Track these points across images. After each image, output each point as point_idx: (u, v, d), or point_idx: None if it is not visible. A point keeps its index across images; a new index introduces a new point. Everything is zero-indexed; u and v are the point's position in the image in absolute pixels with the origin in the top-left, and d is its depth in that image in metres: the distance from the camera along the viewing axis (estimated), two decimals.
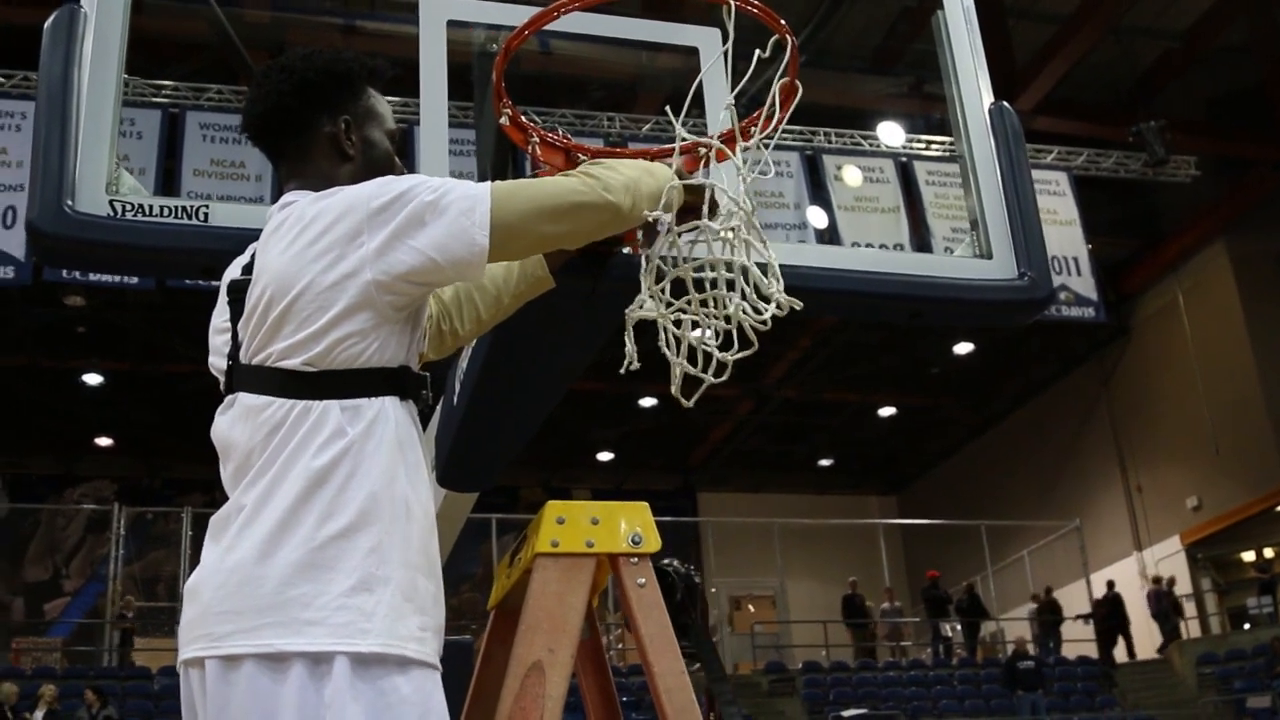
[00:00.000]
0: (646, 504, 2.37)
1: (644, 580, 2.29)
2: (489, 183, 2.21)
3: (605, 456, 27.95)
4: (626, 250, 3.02)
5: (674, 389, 2.69)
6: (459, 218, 2.13)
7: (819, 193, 16.47)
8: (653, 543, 2.31)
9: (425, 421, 4.16)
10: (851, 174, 16.89)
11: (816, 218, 16.32)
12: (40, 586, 24.63)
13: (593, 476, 28.79)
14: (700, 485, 29.41)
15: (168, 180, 14.72)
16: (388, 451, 2.11)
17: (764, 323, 2.54)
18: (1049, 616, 23.26)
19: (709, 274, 2.59)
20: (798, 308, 2.57)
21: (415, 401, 2.24)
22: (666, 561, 2.62)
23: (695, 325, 2.65)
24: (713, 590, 25.38)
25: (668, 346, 2.63)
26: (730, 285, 2.56)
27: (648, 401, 23.07)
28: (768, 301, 2.55)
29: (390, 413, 2.14)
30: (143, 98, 14.98)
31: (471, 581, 23.01)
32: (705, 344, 2.62)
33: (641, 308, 2.59)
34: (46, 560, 25.01)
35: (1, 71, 15.06)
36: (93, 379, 22.89)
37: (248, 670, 1.99)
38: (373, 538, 2.04)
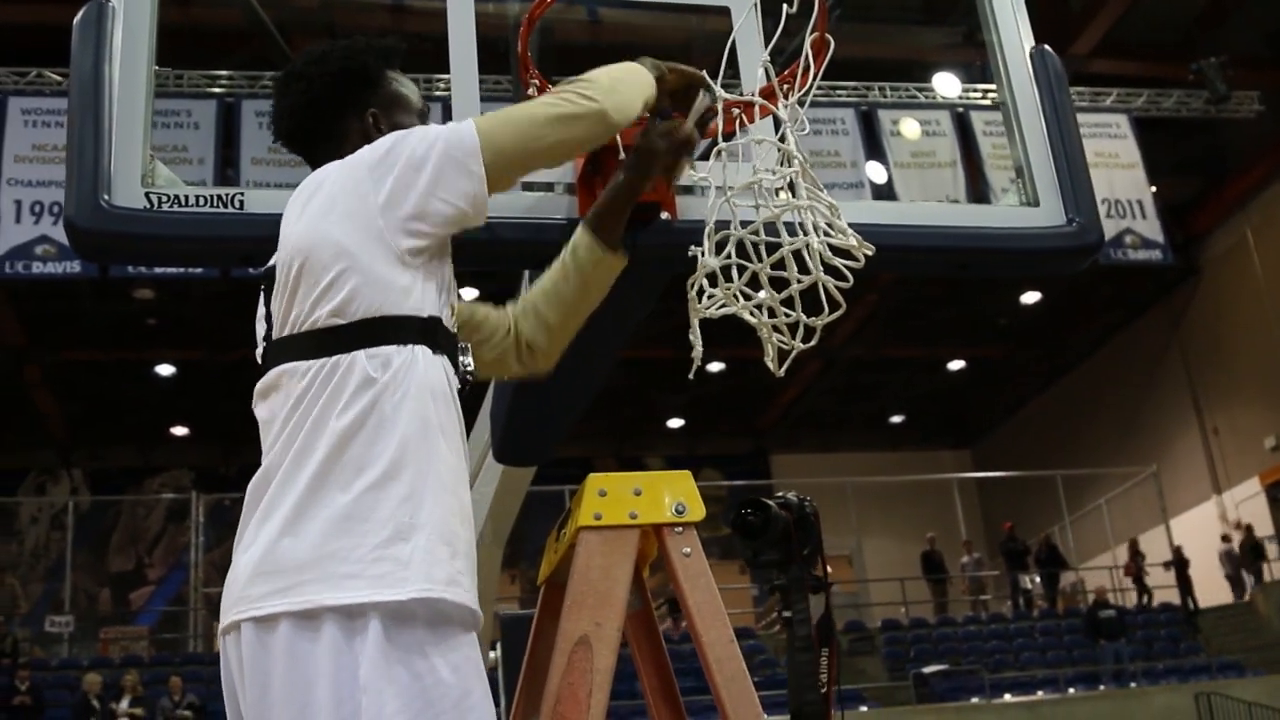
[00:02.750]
0: (689, 473, 2.35)
1: (689, 550, 2.27)
2: (472, 117, 2.26)
3: (676, 423, 27.96)
4: (665, 216, 3.00)
5: (768, 360, 2.68)
6: (451, 151, 2.19)
7: (875, 149, 16.33)
8: (697, 511, 2.29)
9: (479, 398, 4.16)
10: (909, 127, 16.73)
11: (875, 174, 16.19)
12: (125, 576, 25.04)
13: (664, 444, 28.81)
14: (772, 448, 29.34)
15: (226, 169, 14.87)
16: (417, 397, 2.10)
17: (845, 279, 2.52)
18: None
19: (779, 238, 2.57)
20: (870, 253, 2.55)
21: (450, 358, 2.23)
22: (780, 494, 2.61)
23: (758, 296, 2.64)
24: None
25: (752, 316, 2.62)
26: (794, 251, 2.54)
27: (715, 366, 23.01)
28: (840, 255, 2.53)
29: (420, 360, 2.13)
30: (198, 89, 15.12)
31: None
32: (790, 312, 2.60)
33: (707, 293, 2.59)
34: (130, 550, 25.41)
35: (58, 70, 15.23)
36: (165, 370, 23.19)
37: (284, 632, 1.98)
38: (406, 485, 2.04)
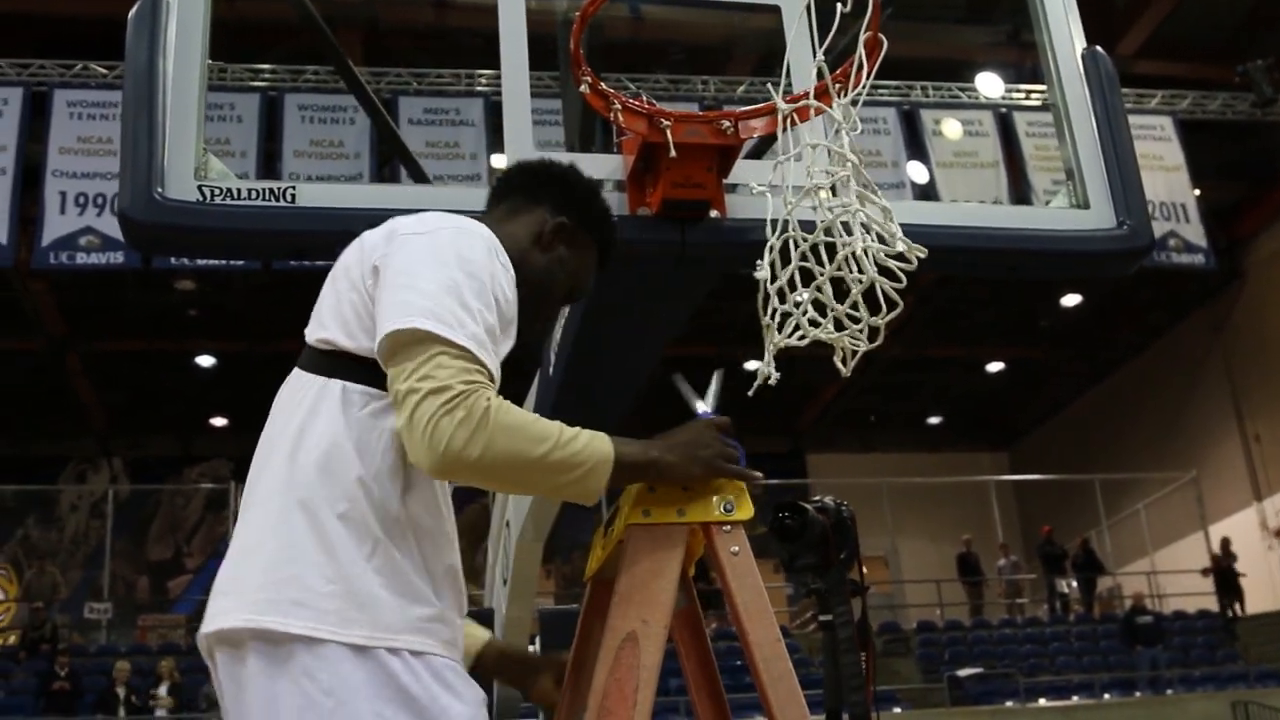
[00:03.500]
0: None
1: (737, 549, 2.27)
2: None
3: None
4: (714, 214, 3.00)
5: (837, 362, 2.69)
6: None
7: (917, 149, 16.28)
8: (745, 510, 2.29)
9: (524, 392, 4.17)
10: (951, 127, 16.67)
11: (916, 173, 16.14)
12: (163, 565, 25.20)
13: None
14: (809, 447, 29.27)
15: (269, 162, 14.97)
16: (395, 445, 2.08)
17: (900, 280, 2.53)
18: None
19: (837, 238, 2.57)
20: (922, 255, 2.55)
21: None
22: (817, 498, 2.61)
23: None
24: None
25: (814, 324, 2.63)
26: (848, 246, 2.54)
27: (753, 364, 22.73)
28: (893, 255, 2.54)
29: (389, 436, 2.11)
30: (241, 82, 15.22)
31: (582, 550, 23.11)
32: (854, 315, 2.61)
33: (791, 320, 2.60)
34: (168, 539, 25.58)
35: (103, 63, 15.35)
36: (206, 361, 23.33)
37: (252, 645, 2.02)
38: (369, 525, 2.04)
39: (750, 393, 2.81)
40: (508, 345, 2.18)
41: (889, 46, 2.73)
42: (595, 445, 2.08)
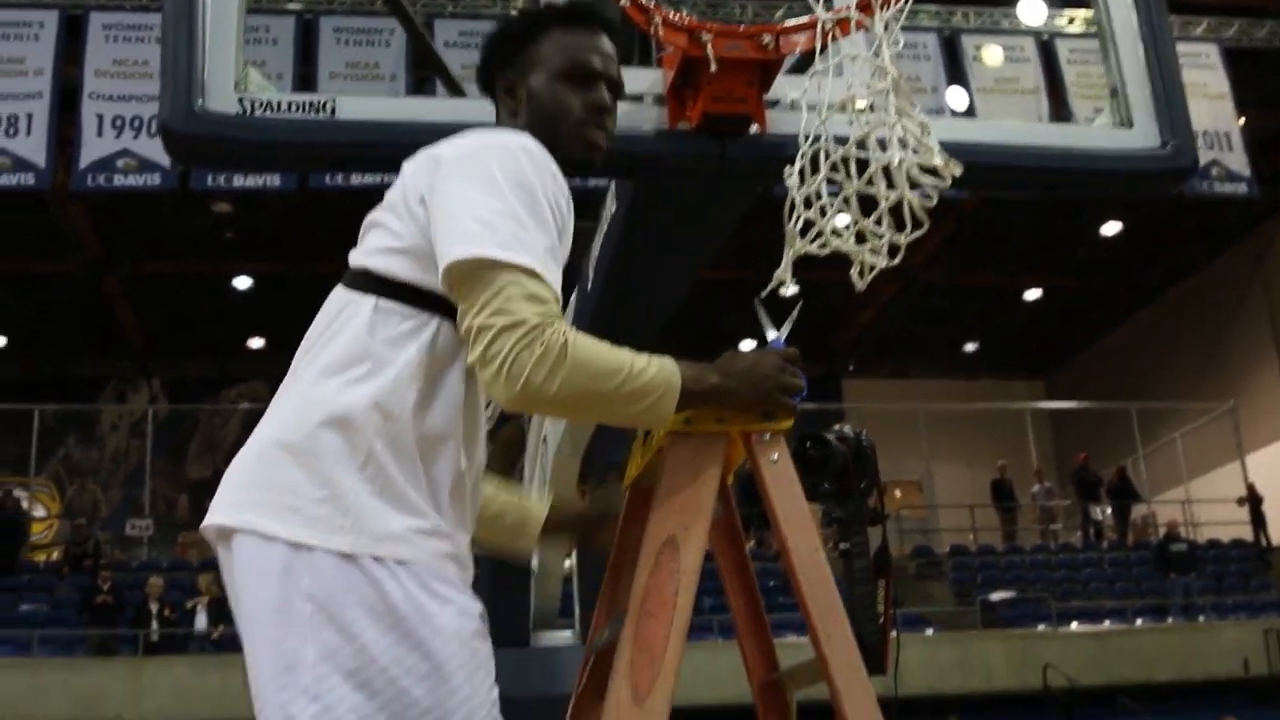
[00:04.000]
0: None
1: (777, 457, 2.28)
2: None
3: (748, 345, 27.90)
4: (755, 128, 2.99)
5: (854, 275, 2.69)
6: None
7: (957, 75, 16.12)
8: (785, 419, 2.30)
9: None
10: (991, 54, 16.49)
11: (956, 99, 15.99)
12: (202, 484, 25.41)
13: None
14: (844, 372, 29.23)
15: (304, 85, 14.94)
16: (413, 365, 2.10)
17: (929, 198, 2.52)
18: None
19: (870, 153, 2.56)
20: (958, 172, 2.54)
21: None
22: (837, 427, 2.62)
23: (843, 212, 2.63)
24: None
25: (836, 234, 2.62)
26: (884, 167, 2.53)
27: (789, 289, 22.66)
28: (928, 173, 2.53)
29: (432, 330, 2.13)
30: (277, 5, 15.18)
31: (618, 469, 23.16)
32: (876, 231, 2.60)
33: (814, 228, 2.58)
34: (207, 458, 25.82)
35: None
36: (242, 282, 23.43)
37: (241, 541, 2.07)
38: (366, 437, 2.05)
39: (763, 294, 2.80)
40: (565, 251, 2.18)
41: None
42: (664, 374, 2.10)
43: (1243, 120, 17.38)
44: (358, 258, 2.22)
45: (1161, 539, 20.42)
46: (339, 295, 2.22)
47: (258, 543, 2.04)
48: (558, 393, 2.00)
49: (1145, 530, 23.27)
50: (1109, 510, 23.39)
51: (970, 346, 29.51)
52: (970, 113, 15.83)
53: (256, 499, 2.06)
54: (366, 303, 2.14)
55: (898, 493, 25.00)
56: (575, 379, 2.00)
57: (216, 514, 2.11)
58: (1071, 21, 16.53)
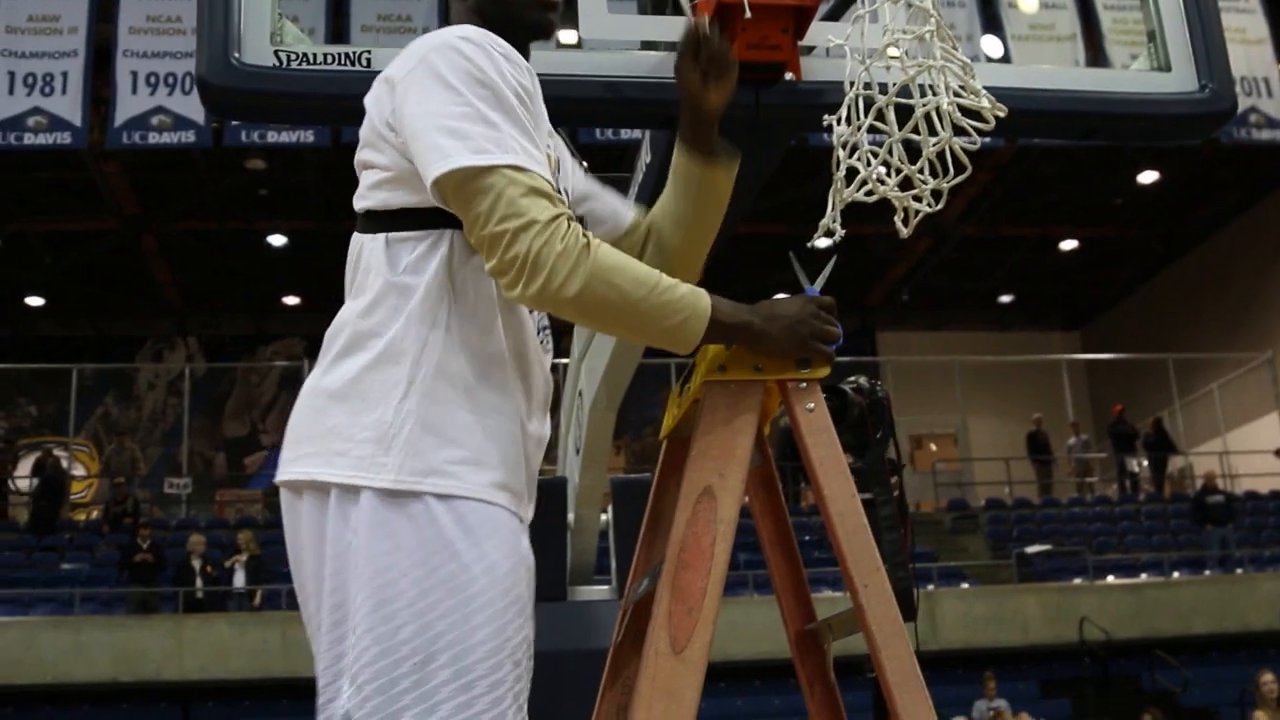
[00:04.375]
0: None
1: (813, 405, 2.28)
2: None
3: (783, 298, 27.77)
4: (789, 76, 2.97)
5: (898, 222, 2.68)
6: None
7: (992, 22, 15.97)
8: (822, 367, 2.29)
9: None
10: None
11: (991, 47, 15.85)
12: (239, 442, 25.65)
13: None
14: (879, 325, 29.12)
15: (337, 39, 14.92)
16: (435, 284, 2.10)
17: (973, 141, 2.50)
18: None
19: (914, 98, 2.55)
20: (1002, 114, 2.53)
21: None
22: (852, 379, 2.62)
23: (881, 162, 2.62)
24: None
25: (881, 182, 2.61)
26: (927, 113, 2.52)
27: (824, 242, 22.54)
28: (969, 116, 2.51)
29: (445, 247, 2.12)
30: None
31: (653, 425, 23.26)
32: (921, 178, 2.59)
33: (847, 151, 2.57)
34: (244, 416, 26.01)
35: None
36: (277, 240, 23.49)
37: (306, 495, 2.13)
38: (403, 369, 2.07)
39: (810, 244, 2.80)
40: (542, 124, 2.17)
41: None
42: (694, 295, 2.09)
43: None
44: (358, 202, 2.22)
45: (1198, 491, 20.35)
46: (354, 243, 2.23)
47: (313, 492, 2.10)
48: (580, 293, 1.99)
49: (1182, 482, 23.22)
50: (1145, 462, 23.32)
51: (1005, 298, 29.35)
52: (1006, 60, 15.70)
53: (309, 450, 2.11)
54: (378, 241, 2.15)
55: (933, 446, 25.04)
56: (599, 280, 2.00)
57: (281, 472, 2.17)
58: None
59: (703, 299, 2.09)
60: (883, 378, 25.84)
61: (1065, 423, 24.18)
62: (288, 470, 2.14)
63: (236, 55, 2.82)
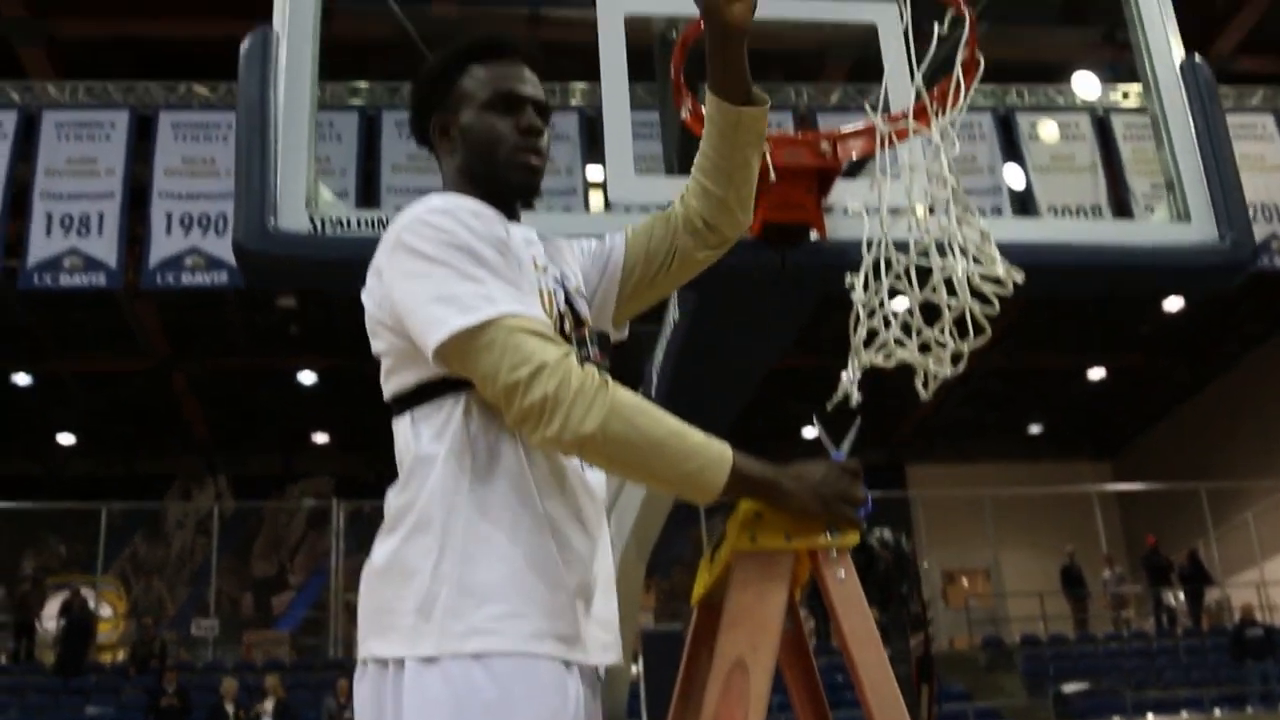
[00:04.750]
0: None
1: (844, 574, 2.28)
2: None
3: (810, 433, 27.77)
4: (814, 235, 3.01)
5: (919, 385, 2.70)
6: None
7: (1013, 153, 16.12)
8: (852, 536, 2.29)
9: None
10: (1047, 130, 16.48)
11: (1013, 177, 15.97)
12: (267, 582, 25.57)
13: (799, 454, 28.53)
14: (908, 458, 29.01)
15: (368, 179, 15.15)
16: (455, 448, 2.13)
17: (992, 304, 2.53)
18: None
19: (933, 260, 2.58)
20: (1020, 280, 2.55)
21: None
22: (878, 532, 2.61)
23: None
24: (925, 565, 25.06)
25: (900, 344, 2.63)
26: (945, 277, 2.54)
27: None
28: (989, 279, 2.54)
29: (460, 410, 2.15)
30: (340, 101, 15.43)
31: (682, 564, 23.14)
32: (940, 339, 2.61)
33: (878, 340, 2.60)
34: (272, 556, 25.95)
35: (207, 84, 15.63)
36: (307, 377, 23.62)
37: (370, 669, 2.15)
38: (433, 536, 2.09)
39: (829, 406, 2.81)
40: (528, 276, 2.22)
41: (985, 50, 2.74)
42: (715, 445, 2.09)
43: None
44: (384, 390, 2.29)
45: (1237, 624, 20.03)
46: (394, 428, 2.28)
47: (374, 668, 2.13)
48: (598, 430, 2.00)
49: (1220, 615, 22.88)
50: (1181, 595, 22.99)
51: (1034, 429, 29.25)
52: (1028, 191, 15.82)
53: (367, 629, 2.15)
54: (404, 421, 2.22)
55: (965, 581, 24.78)
56: (617, 418, 2.01)
57: (357, 650, 2.21)
58: (1126, 96, 16.49)
59: (725, 450, 2.10)
60: (913, 512, 25.92)
61: (1099, 555, 23.92)
62: (360, 651, 2.18)
63: (273, 221, 2.87)
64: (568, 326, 2.29)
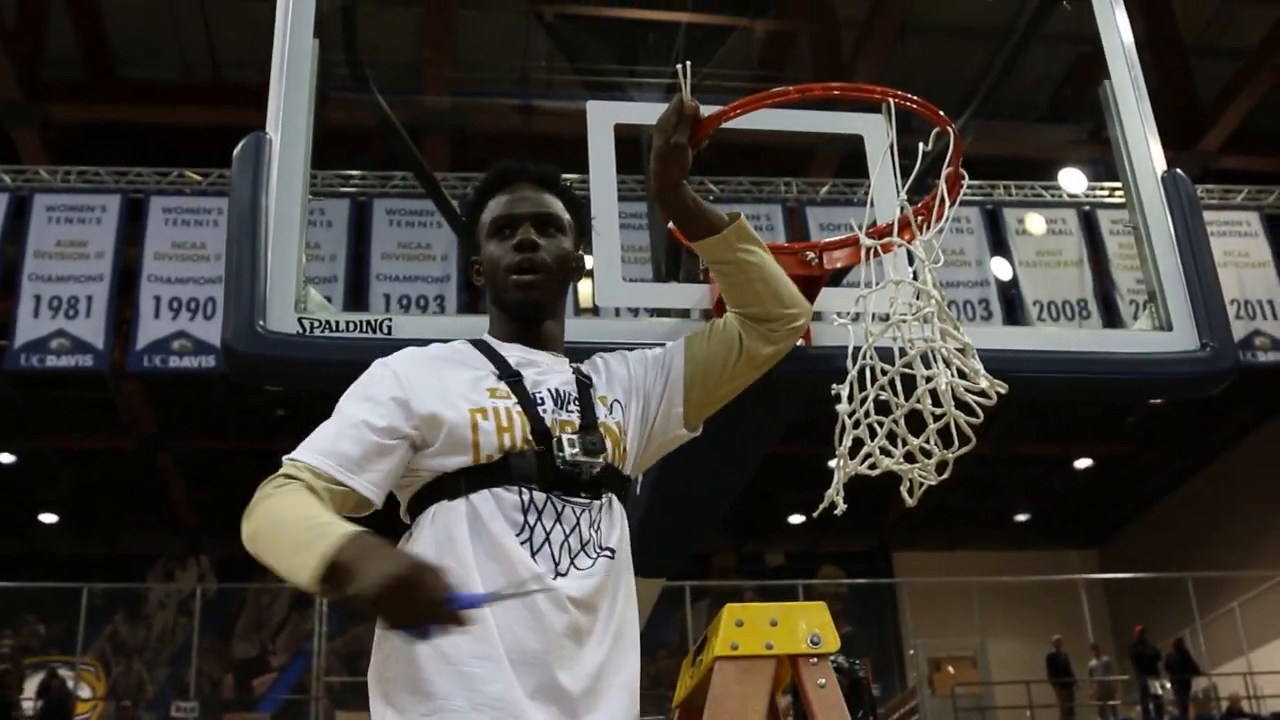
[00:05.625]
0: (824, 604, 2.38)
1: (824, 681, 2.30)
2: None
3: (797, 519, 27.74)
4: (800, 343, 3.05)
5: (904, 493, 2.73)
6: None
7: (1000, 247, 16.25)
8: (831, 642, 2.32)
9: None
10: (1035, 223, 16.63)
11: (1000, 270, 16.10)
12: (248, 663, 25.35)
13: (785, 540, 28.58)
14: (895, 545, 28.96)
15: (357, 265, 15.21)
16: (445, 545, 2.32)
17: (976, 415, 2.57)
18: None
19: (917, 371, 2.62)
20: (1004, 391, 2.59)
21: (488, 486, 2.35)
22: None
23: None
24: (910, 652, 24.95)
25: (886, 454, 2.67)
26: (930, 381, 2.58)
27: (835, 462, 22.55)
28: (975, 394, 2.58)
29: (454, 512, 2.34)
30: (331, 189, 15.52)
31: (667, 649, 22.97)
32: (926, 447, 2.65)
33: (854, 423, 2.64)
34: (254, 637, 25.74)
35: (198, 170, 15.74)
36: None
37: None
38: (390, 642, 2.27)
39: (816, 514, 2.85)
40: (422, 397, 2.43)
41: (973, 146, 2.80)
42: (326, 536, 2.14)
43: None
44: None
45: (1224, 714, 19.96)
46: None
47: None
48: (246, 531, 2.35)
49: (1207, 704, 22.75)
50: (1168, 684, 22.88)
51: (1021, 517, 29.25)
52: (1014, 284, 15.93)
53: None
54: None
55: (950, 669, 24.59)
56: (250, 524, 2.33)
57: None
58: (1112, 194, 16.64)
59: (331, 541, 2.10)
60: (899, 598, 25.82)
61: (1085, 643, 23.82)
62: None
63: (262, 323, 2.91)
64: (521, 431, 2.38)
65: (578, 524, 2.32)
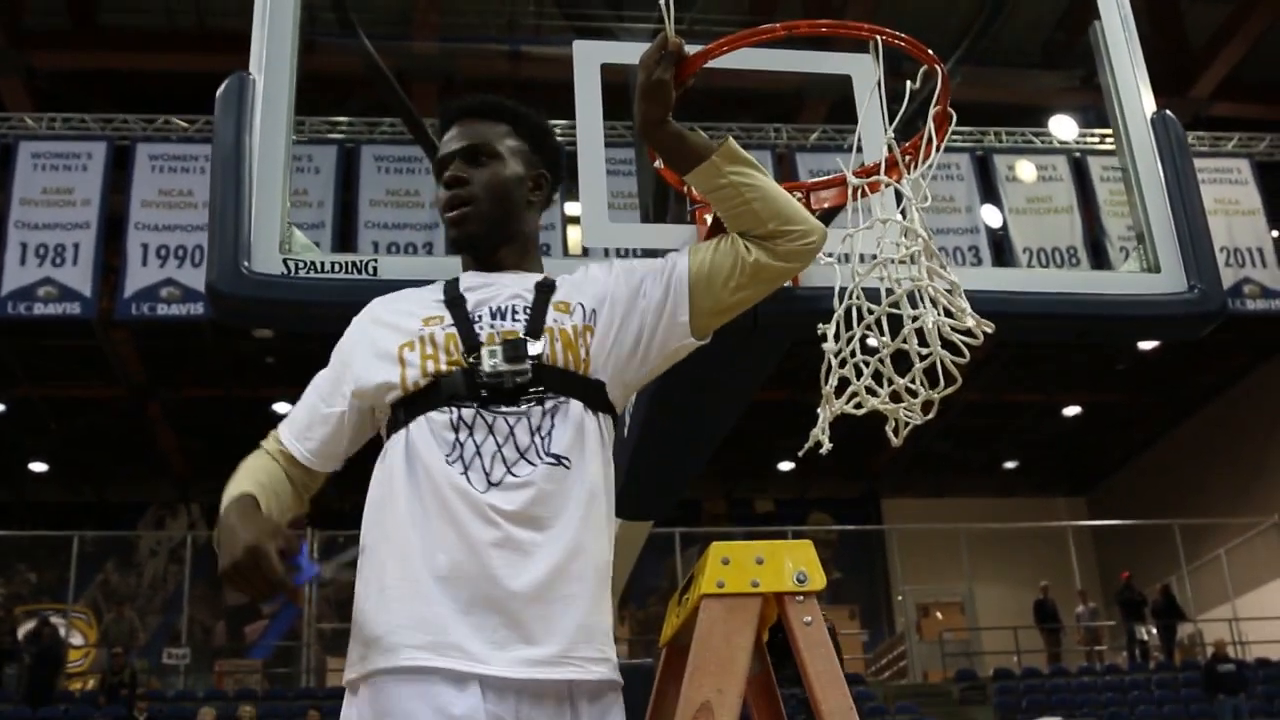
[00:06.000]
0: (810, 542, 2.38)
1: (810, 618, 2.30)
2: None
3: (786, 466, 27.82)
4: (786, 283, 3.04)
5: (890, 432, 2.73)
6: None
7: (990, 194, 16.21)
8: (818, 580, 2.32)
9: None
10: (1025, 170, 16.58)
11: (990, 218, 16.07)
12: (240, 611, 25.40)
13: (775, 486, 28.69)
14: (884, 492, 29.10)
15: (345, 212, 15.15)
16: (386, 478, 2.38)
17: (962, 355, 2.56)
18: None
19: (904, 310, 2.61)
20: (990, 330, 2.58)
21: (423, 412, 2.36)
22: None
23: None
24: (899, 598, 25.11)
25: (872, 393, 2.66)
26: (916, 320, 2.57)
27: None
28: (962, 333, 2.57)
29: (396, 444, 2.39)
30: (319, 135, 15.44)
31: (657, 594, 23.10)
32: (911, 386, 2.64)
33: (840, 363, 2.63)
34: None
35: (184, 117, 15.65)
36: (283, 408, 23.36)
37: None
38: (363, 566, 2.35)
39: (802, 453, 2.85)
40: (376, 351, 2.49)
41: (963, 92, 2.77)
42: (231, 491, 2.46)
43: (1276, 235, 17.37)
44: None
45: (1209, 659, 20.08)
46: None
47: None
48: None
49: (1192, 650, 22.92)
50: (1154, 630, 23.04)
51: (1010, 464, 29.36)
52: (1004, 231, 15.90)
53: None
54: None
55: (939, 614, 24.75)
56: None
57: None
58: (1103, 140, 16.60)
59: (231, 499, 2.44)
60: (888, 545, 25.92)
61: (1073, 589, 23.98)
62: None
63: (246, 264, 2.89)
64: (451, 352, 2.39)
65: (512, 433, 2.29)
